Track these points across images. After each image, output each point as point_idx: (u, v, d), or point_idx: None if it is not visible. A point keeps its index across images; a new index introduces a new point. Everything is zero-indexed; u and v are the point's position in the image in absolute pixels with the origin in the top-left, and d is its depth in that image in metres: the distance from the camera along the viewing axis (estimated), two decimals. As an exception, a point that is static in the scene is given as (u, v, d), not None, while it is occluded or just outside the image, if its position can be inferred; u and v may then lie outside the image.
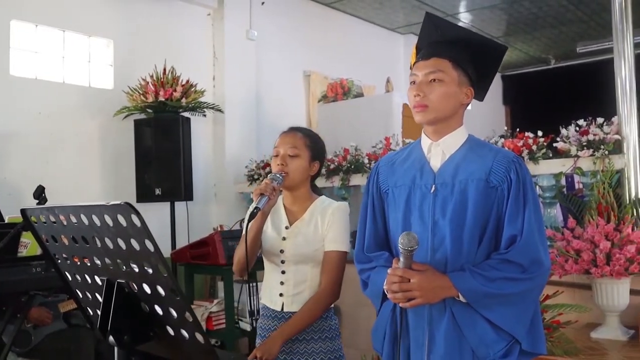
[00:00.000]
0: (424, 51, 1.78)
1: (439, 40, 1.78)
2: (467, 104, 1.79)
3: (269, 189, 2.03)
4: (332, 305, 2.21)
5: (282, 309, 2.17)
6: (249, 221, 1.99)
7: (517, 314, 1.62)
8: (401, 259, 1.60)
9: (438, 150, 1.76)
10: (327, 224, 2.14)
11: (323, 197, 2.27)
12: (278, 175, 2.11)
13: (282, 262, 2.17)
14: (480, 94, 1.84)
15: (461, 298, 1.62)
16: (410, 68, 1.85)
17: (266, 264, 2.26)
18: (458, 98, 1.74)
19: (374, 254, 1.81)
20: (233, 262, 2.23)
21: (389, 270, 1.64)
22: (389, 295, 1.67)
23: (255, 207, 1.99)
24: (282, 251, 2.17)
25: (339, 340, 2.20)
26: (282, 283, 2.18)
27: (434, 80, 1.71)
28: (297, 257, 2.15)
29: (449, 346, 1.64)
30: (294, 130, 2.25)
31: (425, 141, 1.80)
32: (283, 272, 2.18)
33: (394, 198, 1.80)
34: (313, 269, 2.15)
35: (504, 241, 1.65)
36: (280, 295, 2.18)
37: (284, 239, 2.18)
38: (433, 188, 1.71)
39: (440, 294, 1.62)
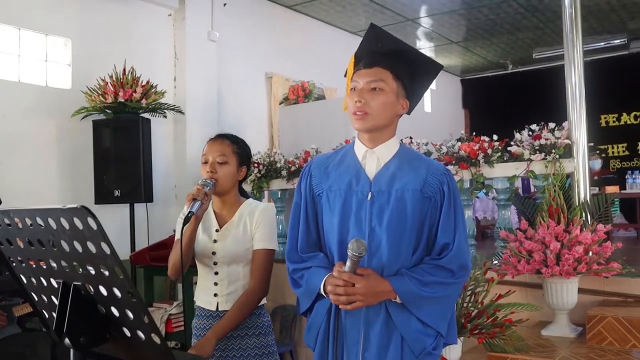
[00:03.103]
0: (365, 60, 1.83)
1: (380, 52, 1.83)
2: (401, 115, 1.86)
3: (201, 194, 2.10)
4: (265, 303, 2.29)
5: (217, 308, 2.24)
6: (183, 225, 2.04)
7: (442, 312, 1.77)
8: (348, 263, 1.67)
9: (373, 158, 1.82)
10: (255, 224, 2.23)
11: (250, 199, 2.36)
12: (209, 181, 2.18)
13: (215, 263, 2.25)
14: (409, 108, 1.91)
15: (397, 299, 1.72)
16: (345, 75, 1.89)
17: (199, 267, 2.32)
18: (395, 108, 1.81)
19: (308, 254, 1.87)
20: (168, 266, 2.27)
21: (334, 274, 1.71)
22: (331, 297, 1.72)
23: (190, 212, 2.05)
24: (214, 253, 2.24)
25: (271, 337, 2.28)
26: (216, 284, 2.26)
27: (375, 88, 1.77)
28: (228, 257, 2.23)
29: (382, 345, 1.73)
30: (221, 137, 2.34)
31: (360, 147, 1.85)
32: (216, 273, 2.25)
33: (328, 202, 1.85)
34: (245, 268, 2.24)
35: (437, 248, 1.78)
36: (215, 295, 2.26)
37: (215, 241, 2.25)
38: (370, 195, 1.77)
39: (380, 297, 1.72)
